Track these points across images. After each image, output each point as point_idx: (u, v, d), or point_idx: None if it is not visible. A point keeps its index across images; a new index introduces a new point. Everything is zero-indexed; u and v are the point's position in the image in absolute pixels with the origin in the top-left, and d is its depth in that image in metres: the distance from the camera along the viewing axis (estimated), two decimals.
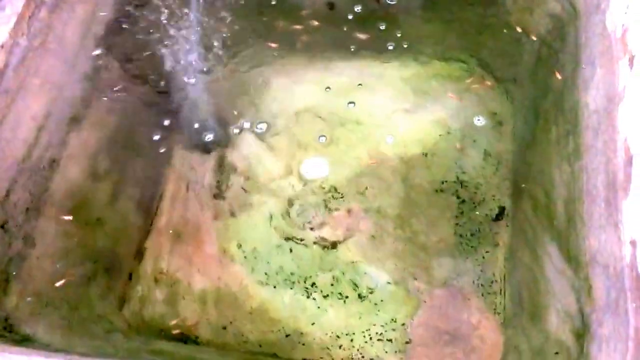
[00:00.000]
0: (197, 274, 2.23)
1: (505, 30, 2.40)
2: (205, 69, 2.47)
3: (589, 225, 1.88)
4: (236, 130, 2.46)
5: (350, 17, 2.48)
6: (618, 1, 2.06)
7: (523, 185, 2.20)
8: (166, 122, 2.43)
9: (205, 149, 2.44)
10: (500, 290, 2.11)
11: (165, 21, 2.40)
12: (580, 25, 2.20)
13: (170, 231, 2.31)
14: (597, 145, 1.95)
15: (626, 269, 1.68)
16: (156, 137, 2.41)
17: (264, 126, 2.47)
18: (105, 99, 2.25)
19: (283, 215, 2.31)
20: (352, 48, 2.53)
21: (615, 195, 1.81)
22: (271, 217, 2.31)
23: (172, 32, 2.40)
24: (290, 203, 2.32)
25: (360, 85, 2.51)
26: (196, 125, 2.46)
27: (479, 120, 2.39)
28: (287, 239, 2.26)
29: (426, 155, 2.36)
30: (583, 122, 2.04)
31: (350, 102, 2.48)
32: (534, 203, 2.13)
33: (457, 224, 2.23)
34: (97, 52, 2.25)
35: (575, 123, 2.06)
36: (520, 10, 2.37)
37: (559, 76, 2.19)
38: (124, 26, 2.37)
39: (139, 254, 2.27)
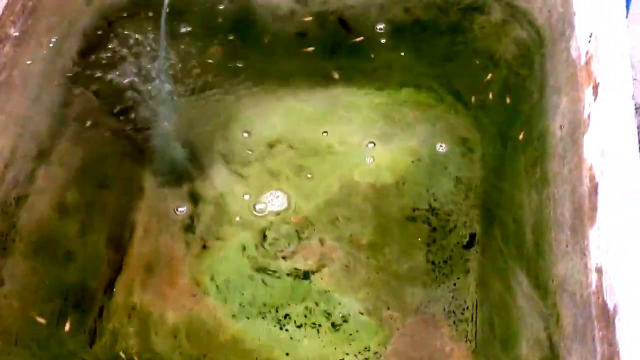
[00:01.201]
0: (169, 307, 2.23)
1: (473, 58, 2.44)
2: (175, 101, 2.49)
3: (557, 252, 1.91)
4: (207, 161, 2.48)
5: (320, 46, 2.51)
6: (582, 29, 2.12)
7: (494, 212, 2.24)
8: (136, 154, 2.44)
9: (177, 180, 2.45)
10: (472, 317, 2.13)
11: (134, 54, 2.43)
12: (546, 52, 2.25)
13: (142, 264, 2.31)
14: (563, 173, 1.99)
15: (592, 297, 1.71)
16: (126, 169, 2.42)
17: (235, 156, 2.49)
18: (73, 132, 2.27)
19: (256, 245, 2.32)
20: (323, 77, 2.56)
21: (581, 223, 1.84)
22: (243, 247, 2.32)
23: (141, 64, 2.43)
24: (263, 233, 2.34)
25: (331, 114, 2.54)
26: (167, 157, 2.47)
27: (449, 147, 2.43)
28: (260, 269, 2.27)
29: (398, 183, 2.39)
30: (550, 150, 2.08)
31: (321, 131, 2.51)
32: (503, 230, 2.16)
33: (429, 251, 2.26)
34: (64, 85, 2.27)
35: (542, 150, 2.10)
36: (487, 37, 2.42)
37: (526, 104, 2.24)
38: (91, 59, 2.39)
39: (110, 289, 2.27)
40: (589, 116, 1.95)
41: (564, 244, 1.89)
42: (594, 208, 1.80)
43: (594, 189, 1.82)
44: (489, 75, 2.42)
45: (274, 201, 2.36)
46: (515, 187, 2.15)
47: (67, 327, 2.12)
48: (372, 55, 2.52)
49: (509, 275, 2.06)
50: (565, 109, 2.08)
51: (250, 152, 2.49)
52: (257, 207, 2.38)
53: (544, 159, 2.08)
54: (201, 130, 2.52)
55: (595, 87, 1.96)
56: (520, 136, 2.18)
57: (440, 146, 2.43)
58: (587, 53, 2.05)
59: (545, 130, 2.13)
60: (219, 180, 2.44)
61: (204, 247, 2.33)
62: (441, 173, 2.38)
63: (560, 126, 2.07)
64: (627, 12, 2.41)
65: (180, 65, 2.49)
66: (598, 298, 1.69)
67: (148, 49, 2.45)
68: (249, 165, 2.46)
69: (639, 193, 1.69)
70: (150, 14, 2.47)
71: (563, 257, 1.87)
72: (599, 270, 1.71)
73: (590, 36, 2.05)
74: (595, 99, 1.94)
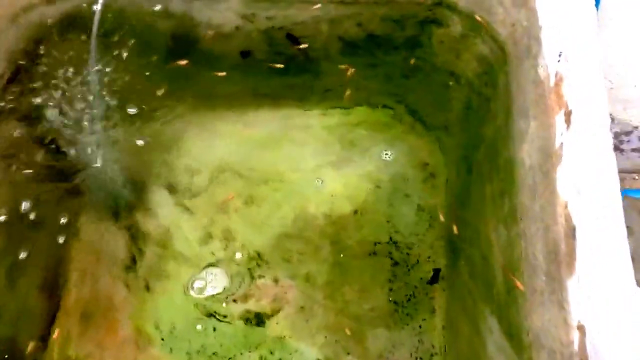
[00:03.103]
0: (110, 359, 1.91)
1: (432, 74, 2.13)
2: (111, 127, 2.13)
3: (531, 300, 1.63)
4: (149, 194, 2.14)
5: (268, 64, 2.16)
6: (550, 46, 1.82)
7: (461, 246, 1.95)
8: (70, 188, 2.08)
9: (115, 215, 2.11)
10: None
11: (65, 79, 2.07)
12: (511, 70, 1.95)
13: (79, 312, 1.98)
14: (534, 209, 1.70)
15: (575, 358, 1.44)
16: (59, 206, 2.07)
17: (179, 187, 2.15)
18: None
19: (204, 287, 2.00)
20: (272, 98, 2.23)
21: (558, 269, 1.56)
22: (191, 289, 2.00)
23: (73, 90, 2.07)
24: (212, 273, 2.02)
25: (281, 137, 2.21)
26: (105, 191, 2.12)
27: (409, 172, 2.12)
28: (209, 314, 1.96)
29: (356, 213, 2.08)
30: (518, 180, 1.79)
31: (271, 157, 2.18)
32: (470, 267, 1.87)
33: (391, 289, 1.97)
34: None
35: (511, 181, 1.81)
36: (447, 52, 2.10)
37: (490, 126, 1.94)
38: (18, 86, 2.03)
39: (44, 341, 1.94)
40: (561, 146, 1.66)
41: (538, 291, 1.61)
42: (572, 255, 1.52)
43: (571, 232, 1.53)
44: (450, 94, 2.11)
45: (214, 281, 2.02)
46: (481, 219, 1.86)
47: None
48: (324, 73, 2.18)
49: (479, 318, 1.77)
50: (534, 135, 1.79)
51: (196, 182, 2.15)
52: (196, 285, 2.03)
53: (512, 191, 1.79)
54: (142, 160, 2.17)
55: (568, 115, 1.67)
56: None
57: (400, 171, 2.13)
58: (556, 74, 1.75)
59: (512, 157, 1.84)
60: (163, 214, 2.11)
61: (147, 290, 2.00)
62: (402, 201, 2.08)
63: (529, 154, 1.78)
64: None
65: (115, 89, 2.13)
66: None
67: (80, 73, 2.08)
68: (195, 196, 2.13)
69: (624, 245, 1.41)
70: (82, 34, 2.10)
71: (538, 307, 1.59)
72: (581, 329, 1.43)
73: (560, 55, 1.76)
74: (568, 127, 1.65)
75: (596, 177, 1.50)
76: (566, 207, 1.57)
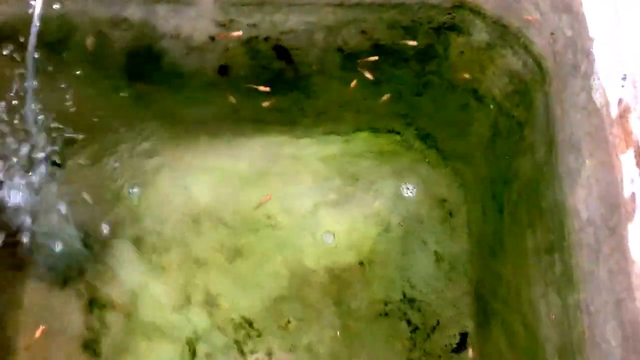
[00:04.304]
0: None
1: (449, 92, 1.69)
2: (56, 165, 1.64)
3: None
4: (111, 251, 1.66)
5: (251, 83, 1.69)
6: (608, 63, 1.39)
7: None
8: (9, 253, 1.58)
9: (67, 278, 1.63)
10: None
11: None
12: (552, 91, 1.52)
13: None
14: (599, 275, 1.30)
15: None
16: None
17: (149, 241, 1.67)
18: None
19: None
20: (256, 123, 1.76)
21: None
22: None
23: (8, 121, 1.58)
24: (191, 347, 1.57)
25: (270, 172, 1.74)
26: (51, 246, 1.63)
27: (423, 211, 1.69)
28: None
29: (363, 264, 1.65)
30: (572, 235, 1.37)
31: (259, 196, 1.72)
32: (509, 336, 1.47)
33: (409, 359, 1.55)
34: None
35: (561, 233, 1.39)
36: (467, 66, 1.67)
37: (527, 160, 1.51)
38: None
39: None
40: (632, 197, 1.25)
41: None
42: None
43: None
44: (471, 116, 1.68)
45: None
46: (523, 277, 1.46)
47: None
48: (319, 92, 1.73)
49: None
50: (590, 177, 1.37)
51: (166, 232, 1.68)
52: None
53: (564, 247, 1.38)
54: (100, 209, 1.69)
55: None
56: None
57: (412, 210, 1.69)
58: (619, 102, 1.34)
59: (561, 203, 1.42)
60: (127, 274, 1.64)
61: None
62: (416, 247, 1.66)
63: (586, 204, 1.35)
64: None
65: (60, 117, 1.63)
66: None
67: (16, 97, 1.59)
68: (168, 251, 1.67)
69: None
70: (18, 49, 1.60)
71: None
72: None
73: (624, 78, 1.33)
74: None
75: None
76: None
